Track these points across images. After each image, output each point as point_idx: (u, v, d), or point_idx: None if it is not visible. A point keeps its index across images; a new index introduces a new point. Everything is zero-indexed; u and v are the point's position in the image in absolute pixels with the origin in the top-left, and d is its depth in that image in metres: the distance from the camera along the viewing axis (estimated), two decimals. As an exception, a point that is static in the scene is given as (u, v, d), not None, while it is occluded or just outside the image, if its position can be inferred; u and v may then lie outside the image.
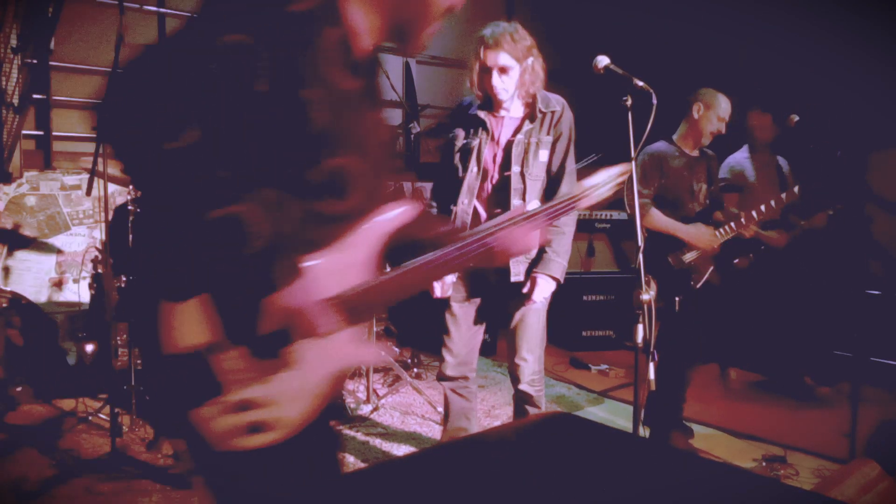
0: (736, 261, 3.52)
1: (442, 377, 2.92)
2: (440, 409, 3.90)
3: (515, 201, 2.64)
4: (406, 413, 3.98)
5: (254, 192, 1.14)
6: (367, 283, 1.27)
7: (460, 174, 2.73)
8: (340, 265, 1.25)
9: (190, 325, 1.14)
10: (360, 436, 3.59)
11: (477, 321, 2.85)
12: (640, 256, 2.02)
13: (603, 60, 2.24)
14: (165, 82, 1.11)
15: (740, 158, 4.28)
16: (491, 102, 2.70)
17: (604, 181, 1.63)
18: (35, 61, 4.25)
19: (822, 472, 3.18)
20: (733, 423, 3.87)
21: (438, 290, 2.76)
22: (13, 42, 4.03)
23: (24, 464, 3.04)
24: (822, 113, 4.24)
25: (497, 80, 2.59)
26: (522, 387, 2.79)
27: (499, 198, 2.70)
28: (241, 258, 1.11)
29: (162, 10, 5.10)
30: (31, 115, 4.49)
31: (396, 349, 4.83)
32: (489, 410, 4.08)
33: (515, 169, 2.66)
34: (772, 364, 4.64)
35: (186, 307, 1.13)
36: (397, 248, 1.39)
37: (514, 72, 2.58)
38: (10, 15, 3.99)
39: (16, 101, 4.10)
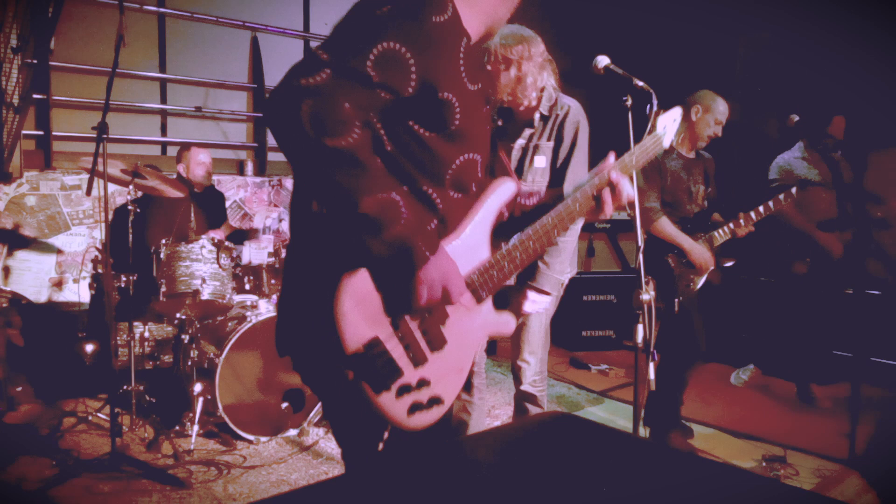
0: (728, 264, 3.50)
1: None
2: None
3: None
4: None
5: (400, 181, 1.31)
6: (488, 261, 1.44)
7: None
8: (466, 246, 1.40)
9: (364, 319, 1.25)
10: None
11: None
12: (640, 256, 2.02)
13: (603, 60, 2.23)
14: (325, 87, 1.18)
15: (790, 157, 4.18)
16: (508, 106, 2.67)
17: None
18: (35, 61, 4.24)
19: (822, 472, 3.17)
20: (733, 423, 3.87)
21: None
22: (13, 42, 4.03)
23: (24, 464, 3.04)
24: (822, 113, 4.24)
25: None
26: (524, 387, 2.79)
27: None
28: (391, 236, 1.22)
29: (162, 9, 5.10)
30: (31, 115, 4.49)
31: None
32: (489, 410, 4.08)
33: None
34: (771, 364, 4.64)
35: (355, 301, 1.24)
36: (501, 223, 1.58)
37: (504, 75, 2.55)
38: (10, 15, 3.99)
39: (16, 101, 4.10)
